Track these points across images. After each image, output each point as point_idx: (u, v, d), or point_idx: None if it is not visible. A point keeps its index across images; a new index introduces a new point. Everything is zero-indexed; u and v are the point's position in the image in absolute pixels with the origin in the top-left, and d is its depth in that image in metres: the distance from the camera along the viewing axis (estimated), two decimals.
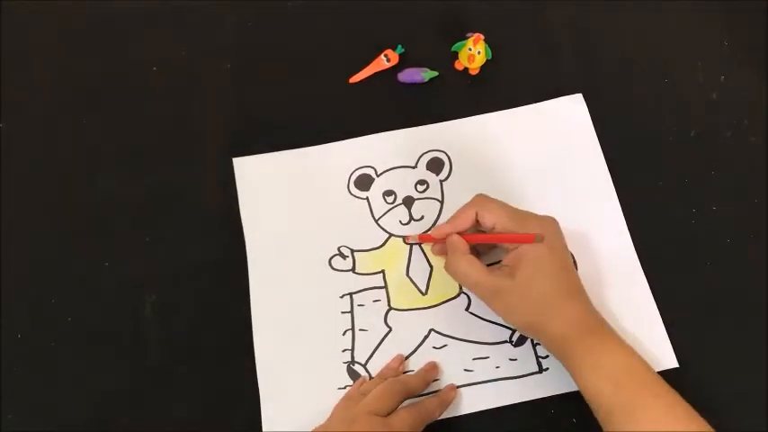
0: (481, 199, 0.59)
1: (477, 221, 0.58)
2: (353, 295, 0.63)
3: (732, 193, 0.66)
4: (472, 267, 0.57)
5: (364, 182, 0.68)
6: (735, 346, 0.61)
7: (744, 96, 0.71)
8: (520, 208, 0.59)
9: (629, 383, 0.51)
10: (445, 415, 0.58)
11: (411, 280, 0.64)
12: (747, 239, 0.65)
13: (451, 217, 0.60)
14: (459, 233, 0.59)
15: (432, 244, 0.63)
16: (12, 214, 0.68)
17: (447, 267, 0.59)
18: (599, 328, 0.55)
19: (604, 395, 0.51)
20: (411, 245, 0.65)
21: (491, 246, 0.62)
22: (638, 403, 0.50)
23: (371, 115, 0.71)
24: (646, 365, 0.53)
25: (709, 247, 0.64)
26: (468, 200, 0.60)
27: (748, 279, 0.63)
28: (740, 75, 0.72)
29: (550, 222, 0.58)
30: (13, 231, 0.67)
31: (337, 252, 0.65)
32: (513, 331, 0.61)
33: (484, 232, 0.60)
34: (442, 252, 0.61)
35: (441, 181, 0.68)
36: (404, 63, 0.72)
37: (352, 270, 0.64)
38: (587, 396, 0.53)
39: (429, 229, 0.65)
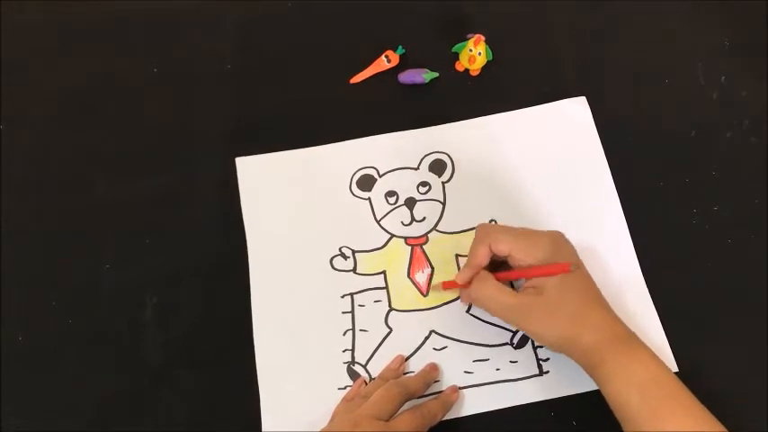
0: (485, 230, 0.59)
1: (492, 254, 0.58)
2: (354, 296, 0.63)
3: (732, 193, 0.66)
4: (499, 291, 0.56)
5: (366, 182, 0.68)
6: (735, 347, 0.61)
7: (744, 96, 0.71)
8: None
9: (656, 393, 0.51)
10: (445, 417, 0.58)
11: (412, 281, 0.64)
12: (747, 239, 0.65)
13: (467, 260, 0.59)
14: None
15: (459, 291, 0.62)
16: (12, 216, 0.68)
17: (473, 296, 0.58)
18: (629, 337, 0.55)
19: (631, 404, 0.51)
20: (413, 246, 0.65)
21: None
22: (664, 413, 0.50)
23: (372, 116, 0.71)
24: (674, 377, 0.52)
25: (710, 247, 0.64)
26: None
27: (748, 279, 0.63)
28: (740, 75, 0.72)
29: (559, 239, 0.58)
30: (13, 233, 0.67)
31: (339, 252, 0.65)
32: (514, 333, 0.61)
33: (504, 262, 0.59)
34: (470, 299, 0.61)
35: (443, 183, 0.67)
36: (404, 64, 0.72)
37: (354, 270, 0.64)
38: (614, 405, 0.52)
39: (431, 230, 0.65)
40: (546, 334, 0.55)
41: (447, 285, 0.62)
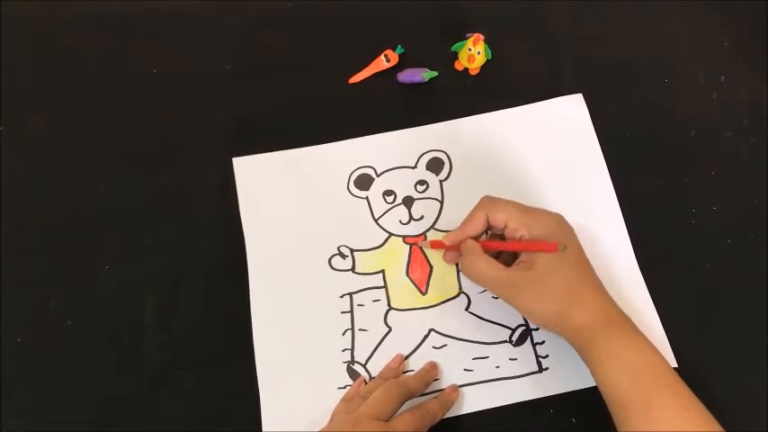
0: (489, 200, 0.59)
1: (488, 224, 0.58)
2: (353, 295, 0.63)
3: (732, 193, 0.66)
4: (489, 265, 0.56)
5: (364, 182, 0.68)
6: (735, 346, 0.60)
7: (744, 96, 0.71)
8: None
9: (648, 380, 0.51)
10: (445, 415, 0.58)
11: (411, 280, 0.64)
12: (747, 239, 0.64)
13: (462, 223, 0.59)
14: (472, 238, 0.58)
15: (443, 251, 0.62)
16: (12, 217, 0.68)
17: (463, 269, 0.58)
18: (623, 320, 0.54)
19: (621, 389, 0.51)
20: (411, 245, 0.65)
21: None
22: (655, 401, 0.50)
23: (371, 115, 0.71)
24: (666, 364, 0.52)
25: (710, 247, 0.64)
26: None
27: (748, 279, 0.63)
28: (740, 75, 0.72)
29: (560, 219, 0.58)
30: (13, 234, 0.67)
31: (337, 252, 0.65)
32: (513, 331, 0.61)
33: (502, 237, 0.59)
34: (454, 259, 0.61)
35: (441, 181, 0.68)
36: (404, 63, 0.72)
37: (352, 270, 0.64)
38: (604, 389, 0.52)
39: (428, 229, 0.66)
40: (537, 309, 0.55)
41: (434, 245, 0.62)
